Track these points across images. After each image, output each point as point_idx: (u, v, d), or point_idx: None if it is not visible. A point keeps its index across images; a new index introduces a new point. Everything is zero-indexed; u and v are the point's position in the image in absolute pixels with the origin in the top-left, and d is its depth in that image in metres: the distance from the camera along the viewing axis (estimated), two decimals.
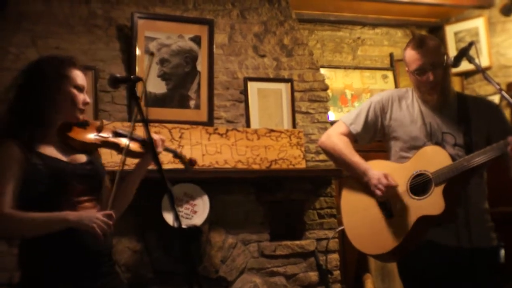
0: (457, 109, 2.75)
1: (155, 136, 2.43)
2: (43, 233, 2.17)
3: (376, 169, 2.73)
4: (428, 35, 2.85)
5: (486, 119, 2.73)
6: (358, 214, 2.82)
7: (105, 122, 2.45)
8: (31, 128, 2.23)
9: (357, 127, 2.86)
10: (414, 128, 2.76)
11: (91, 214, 2.18)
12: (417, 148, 2.73)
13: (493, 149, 2.53)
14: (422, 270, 2.68)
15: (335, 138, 2.88)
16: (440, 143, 2.71)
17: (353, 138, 2.89)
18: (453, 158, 2.63)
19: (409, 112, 2.80)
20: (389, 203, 2.72)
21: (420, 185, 2.67)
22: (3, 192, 2.15)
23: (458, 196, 2.64)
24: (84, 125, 2.37)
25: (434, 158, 2.65)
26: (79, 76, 2.34)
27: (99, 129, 2.39)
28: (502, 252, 2.73)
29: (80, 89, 2.34)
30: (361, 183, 2.79)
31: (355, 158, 2.81)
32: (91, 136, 2.36)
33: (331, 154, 2.92)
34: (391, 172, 2.71)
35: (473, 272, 2.63)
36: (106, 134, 2.40)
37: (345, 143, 2.85)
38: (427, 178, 2.65)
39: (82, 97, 2.34)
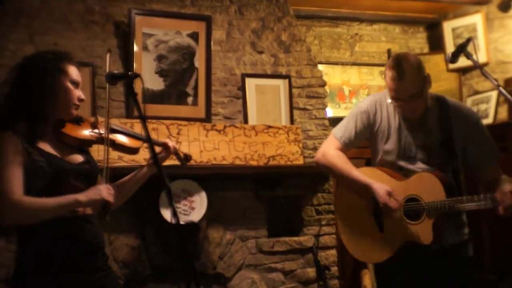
0: (439, 123, 2.76)
1: (169, 143, 2.51)
2: (54, 217, 2.17)
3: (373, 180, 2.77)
4: (408, 59, 2.67)
5: (464, 133, 2.75)
6: (353, 222, 2.91)
7: (100, 118, 2.45)
8: (29, 122, 2.22)
9: (347, 140, 2.91)
10: (389, 142, 2.81)
11: (95, 188, 2.23)
12: (388, 162, 2.80)
13: (492, 200, 2.57)
14: (395, 273, 2.77)
15: (329, 156, 2.91)
16: (412, 158, 2.76)
17: (346, 150, 2.93)
18: (446, 188, 2.66)
19: (389, 124, 2.83)
20: (382, 217, 2.79)
21: (413, 209, 2.73)
22: (11, 179, 2.13)
23: (445, 223, 2.71)
24: (78, 121, 2.37)
25: (430, 188, 2.69)
26: (75, 72, 2.34)
27: (94, 126, 2.39)
28: (470, 245, 2.80)
29: (76, 84, 2.33)
30: (355, 194, 2.85)
31: (354, 172, 2.83)
32: (86, 132, 2.36)
33: (329, 170, 2.98)
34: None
35: (444, 268, 2.70)
36: (101, 131, 2.39)
37: (340, 158, 2.89)
38: (420, 206, 2.71)
39: (78, 93, 2.33)
